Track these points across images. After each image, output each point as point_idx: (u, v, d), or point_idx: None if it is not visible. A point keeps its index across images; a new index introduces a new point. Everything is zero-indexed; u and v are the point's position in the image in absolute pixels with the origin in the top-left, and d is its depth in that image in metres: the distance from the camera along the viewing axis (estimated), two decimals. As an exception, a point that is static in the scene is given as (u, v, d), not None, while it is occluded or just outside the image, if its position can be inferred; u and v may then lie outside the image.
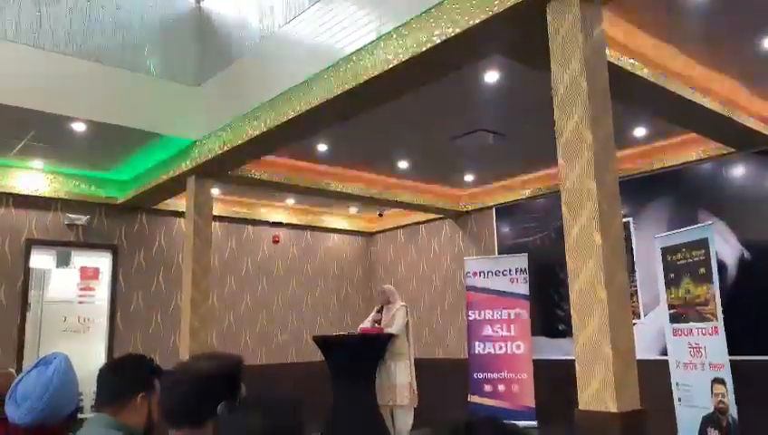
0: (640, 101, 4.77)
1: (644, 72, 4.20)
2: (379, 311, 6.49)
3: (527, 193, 7.81)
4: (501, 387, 7.48)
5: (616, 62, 3.91)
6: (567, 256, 3.03)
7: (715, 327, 5.29)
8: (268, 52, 5.22)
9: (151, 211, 7.73)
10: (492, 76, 4.76)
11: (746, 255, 5.88)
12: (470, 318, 7.85)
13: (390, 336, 6.08)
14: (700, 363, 5.45)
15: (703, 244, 5.50)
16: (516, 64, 4.15)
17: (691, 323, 5.57)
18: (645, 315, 6.53)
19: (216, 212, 6.95)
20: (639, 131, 6.03)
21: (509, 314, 7.59)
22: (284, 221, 9.00)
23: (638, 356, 2.99)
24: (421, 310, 8.85)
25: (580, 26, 3.09)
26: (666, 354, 5.93)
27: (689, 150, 6.26)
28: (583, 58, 3.06)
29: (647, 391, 3.03)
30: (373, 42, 4.05)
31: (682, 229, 5.84)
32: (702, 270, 5.48)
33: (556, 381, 6.62)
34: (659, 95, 4.48)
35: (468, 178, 7.83)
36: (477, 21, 3.36)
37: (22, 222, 6.88)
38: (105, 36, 5.47)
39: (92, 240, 7.31)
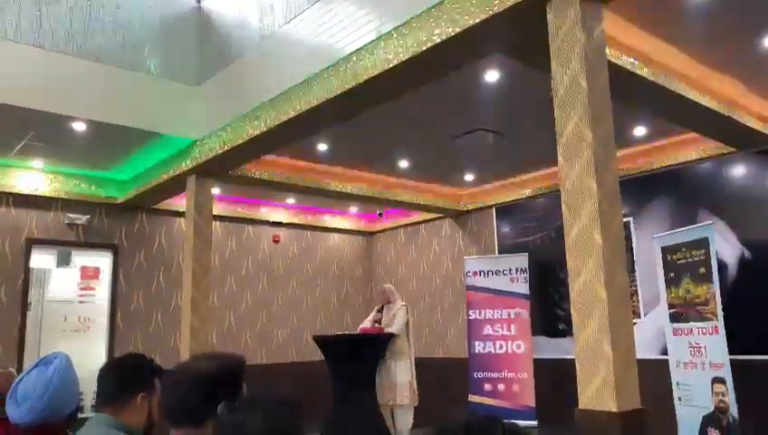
0: (640, 101, 4.77)
1: (644, 72, 4.20)
2: (380, 310, 6.49)
3: (527, 192, 7.81)
4: (501, 386, 7.48)
5: (616, 62, 3.91)
6: (567, 256, 3.03)
7: (716, 327, 5.28)
8: (268, 51, 5.22)
9: (151, 211, 7.73)
10: (492, 76, 4.76)
11: (746, 254, 5.88)
12: (470, 317, 7.85)
13: (391, 336, 6.08)
14: (700, 363, 5.45)
15: (703, 243, 5.50)
16: (516, 64, 4.15)
17: (691, 323, 5.57)
18: (645, 315, 6.54)
19: (216, 212, 6.95)
20: (639, 131, 6.03)
21: (509, 314, 7.59)
22: (284, 221, 9.00)
23: (639, 356, 2.99)
24: (421, 309, 8.85)
25: (580, 25, 3.09)
26: (666, 354, 5.93)
27: (689, 150, 6.27)
28: (583, 57, 3.06)
29: (647, 391, 3.03)
30: (373, 41, 4.05)
31: (682, 229, 5.84)
32: (702, 270, 5.48)
33: (556, 380, 6.62)
34: (659, 94, 4.48)
35: (468, 177, 7.83)
36: (477, 20, 3.36)
37: (22, 222, 6.89)
38: (105, 36, 5.47)
39: (93, 240, 7.31)
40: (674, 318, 5.78)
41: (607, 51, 3.39)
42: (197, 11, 6.09)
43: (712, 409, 5.29)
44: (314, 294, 9.26)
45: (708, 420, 5.31)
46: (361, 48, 4.14)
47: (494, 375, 7.52)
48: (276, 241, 8.93)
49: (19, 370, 5.79)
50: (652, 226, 6.51)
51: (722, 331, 5.22)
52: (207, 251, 6.24)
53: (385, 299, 6.47)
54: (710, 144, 6.01)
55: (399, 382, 6.07)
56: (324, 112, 4.64)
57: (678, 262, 5.75)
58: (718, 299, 5.29)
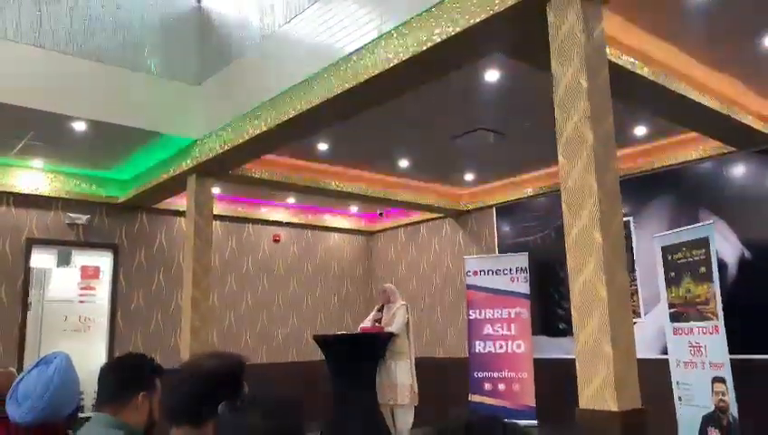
0: (641, 100, 4.77)
1: (644, 71, 4.20)
2: (380, 310, 6.48)
3: (527, 192, 7.81)
4: (501, 386, 7.48)
5: (616, 61, 3.91)
6: (567, 255, 3.03)
7: (716, 326, 5.28)
8: (268, 51, 5.22)
9: (152, 210, 7.73)
10: (492, 75, 4.76)
11: (747, 254, 5.88)
12: (470, 317, 7.85)
13: (391, 335, 6.08)
14: (700, 362, 5.45)
15: (703, 243, 5.50)
16: (517, 63, 4.15)
17: (691, 322, 5.57)
18: (645, 314, 6.53)
19: (216, 211, 6.95)
20: (640, 130, 6.03)
21: (509, 313, 7.60)
22: (285, 220, 9.01)
23: (639, 355, 2.99)
24: (422, 309, 8.85)
25: (580, 25, 3.09)
26: (666, 353, 5.93)
27: (690, 149, 6.26)
28: (584, 57, 3.06)
29: (647, 390, 3.03)
30: (374, 41, 4.05)
31: (682, 228, 5.84)
32: (702, 269, 5.48)
33: (556, 380, 6.61)
34: (660, 94, 4.48)
35: (469, 177, 7.83)
36: (478, 20, 3.36)
37: (22, 221, 6.89)
38: (106, 35, 5.47)
39: (93, 239, 7.31)
40: (674, 317, 5.78)
41: (607, 50, 3.39)
42: (198, 10, 6.09)
43: (712, 408, 5.29)
44: (314, 294, 9.26)
45: (708, 420, 5.31)
46: (362, 47, 4.14)
47: (495, 375, 7.53)
48: (276, 241, 8.94)
49: (19, 369, 5.79)
50: (652, 225, 6.51)
51: (722, 330, 5.22)
52: (208, 251, 6.24)
53: (385, 298, 6.47)
54: (710, 144, 6.01)
55: (400, 382, 6.06)
56: (324, 112, 4.64)
57: (679, 261, 5.75)
58: (718, 298, 5.29)
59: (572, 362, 2.96)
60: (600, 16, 3.26)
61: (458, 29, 3.47)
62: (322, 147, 6.43)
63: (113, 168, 7.02)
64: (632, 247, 6.66)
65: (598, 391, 2.82)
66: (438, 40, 3.58)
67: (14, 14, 5.00)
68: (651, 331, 6.33)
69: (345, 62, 4.27)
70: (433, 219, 9.02)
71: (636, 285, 6.58)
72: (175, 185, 6.58)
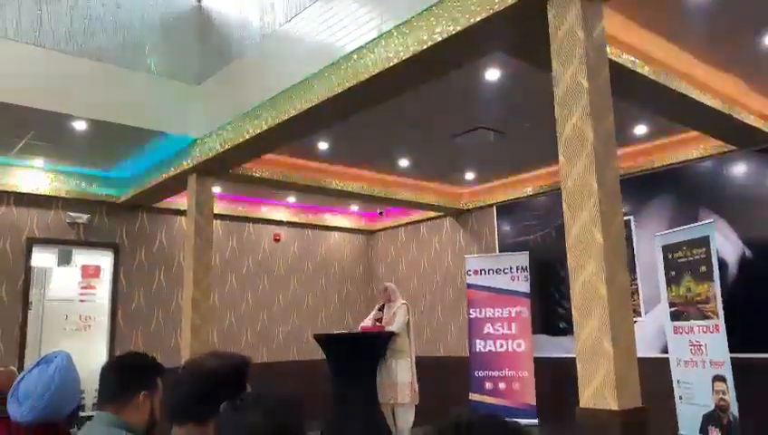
0: (641, 99, 4.77)
1: (645, 70, 4.20)
2: (380, 309, 6.49)
3: (528, 191, 7.80)
4: (502, 385, 7.49)
5: (617, 60, 3.91)
6: (568, 254, 3.03)
7: (716, 325, 5.29)
8: (269, 50, 5.22)
9: (152, 210, 7.73)
10: (493, 74, 4.76)
11: (747, 252, 5.88)
12: (471, 316, 7.85)
13: (391, 334, 6.08)
14: (701, 361, 5.45)
15: (704, 242, 5.50)
16: (517, 62, 4.15)
17: (692, 321, 5.57)
18: (646, 313, 6.54)
19: (216, 211, 6.95)
20: (640, 129, 6.03)
21: (510, 312, 7.60)
22: (285, 219, 9.01)
23: (639, 354, 2.99)
24: (422, 308, 8.85)
25: (581, 24, 3.09)
26: (667, 352, 5.94)
27: (690, 148, 6.26)
28: (584, 56, 3.06)
29: (648, 389, 3.04)
30: (374, 40, 4.05)
31: (683, 227, 5.84)
32: (703, 268, 5.48)
33: (557, 379, 6.63)
34: (660, 93, 4.48)
35: (469, 176, 7.83)
36: (478, 19, 3.36)
37: (23, 221, 6.89)
38: (106, 35, 5.47)
39: (93, 239, 7.32)
40: (674, 316, 5.78)
41: (607, 49, 3.39)
42: (198, 10, 6.09)
43: (712, 407, 5.29)
44: (315, 293, 9.27)
45: (709, 419, 5.31)
46: (362, 47, 4.14)
47: (495, 374, 7.53)
48: (277, 240, 8.94)
49: (20, 369, 5.79)
50: (653, 224, 6.51)
51: (722, 329, 5.22)
52: (208, 250, 6.24)
53: (386, 298, 6.48)
54: (711, 142, 6.01)
55: (400, 381, 6.07)
56: (325, 111, 4.64)
57: (679, 260, 5.75)
58: (719, 297, 5.29)
59: (573, 361, 2.97)
60: (600, 15, 3.26)
61: (459, 28, 3.46)
62: (323, 146, 6.43)
63: (114, 167, 7.02)
64: (633, 246, 6.66)
65: (598, 389, 2.82)
66: (439, 39, 3.58)
67: (14, 14, 5.00)
68: (652, 330, 6.34)
69: (345, 62, 4.27)
70: (433, 218, 9.02)
71: (636, 284, 6.58)
72: (175, 184, 6.59)
